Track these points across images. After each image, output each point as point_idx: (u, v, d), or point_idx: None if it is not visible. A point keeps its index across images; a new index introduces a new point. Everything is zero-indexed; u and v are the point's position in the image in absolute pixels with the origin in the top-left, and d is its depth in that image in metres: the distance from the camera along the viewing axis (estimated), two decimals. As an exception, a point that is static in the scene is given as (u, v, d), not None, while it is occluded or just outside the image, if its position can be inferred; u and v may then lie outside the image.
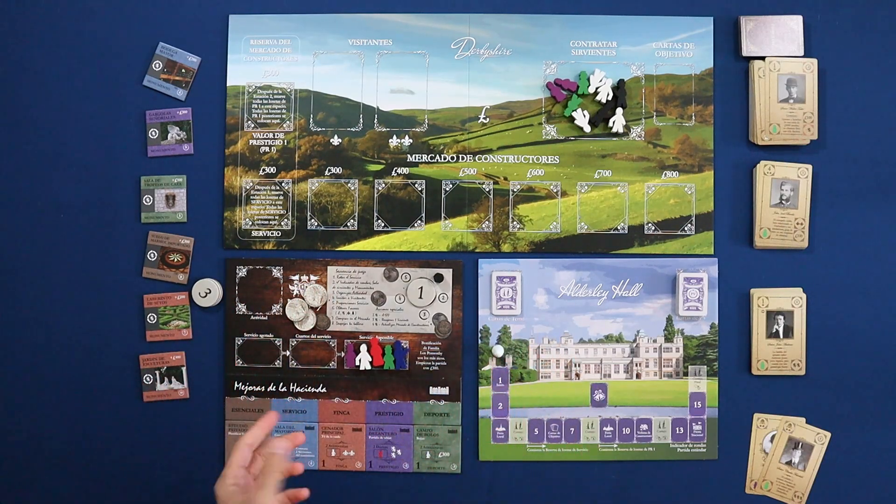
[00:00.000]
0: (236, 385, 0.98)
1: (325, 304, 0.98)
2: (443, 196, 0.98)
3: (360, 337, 0.98)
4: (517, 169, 0.99)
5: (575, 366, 0.98)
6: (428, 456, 0.98)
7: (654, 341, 0.98)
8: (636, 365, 0.98)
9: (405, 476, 0.98)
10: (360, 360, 0.96)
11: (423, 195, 0.99)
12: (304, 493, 0.82)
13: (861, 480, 0.96)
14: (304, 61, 0.99)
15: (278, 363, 0.98)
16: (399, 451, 0.98)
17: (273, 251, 0.98)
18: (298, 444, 0.82)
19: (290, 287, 0.98)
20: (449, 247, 0.98)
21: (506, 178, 0.99)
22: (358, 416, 0.98)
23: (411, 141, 0.99)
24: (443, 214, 0.98)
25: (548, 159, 0.99)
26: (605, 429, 0.97)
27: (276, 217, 0.99)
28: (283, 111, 0.99)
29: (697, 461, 0.97)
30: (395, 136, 0.99)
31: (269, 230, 0.99)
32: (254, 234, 0.99)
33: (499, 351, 0.97)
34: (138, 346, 0.98)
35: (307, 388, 0.98)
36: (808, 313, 0.96)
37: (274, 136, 0.99)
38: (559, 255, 0.98)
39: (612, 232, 0.98)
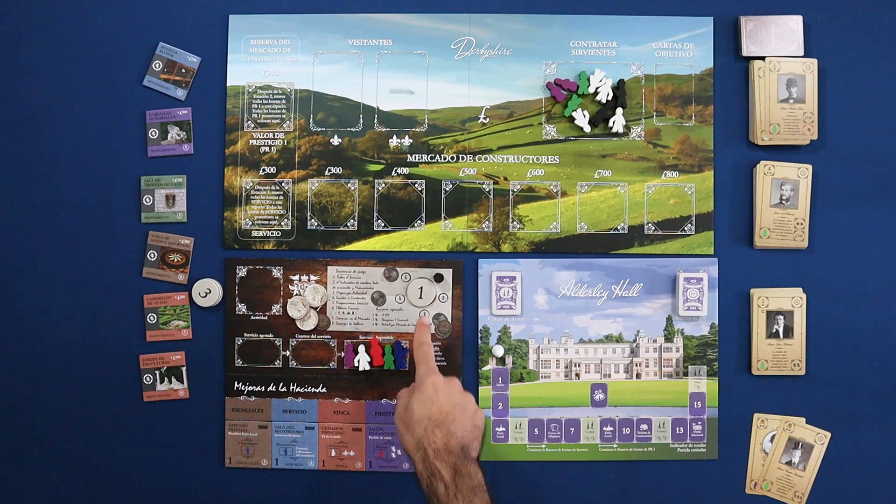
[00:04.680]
0: (236, 385, 0.98)
1: (325, 303, 0.98)
2: (443, 196, 0.99)
3: (360, 337, 0.98)
4: (517, 169, 0.99)
5: (575, 366, 0.98)
6: (428, 456, 0.98)
7: (654, 341, 0.98)
8: (636, 365, 0.98)
9: (405, 476, 0.98)
10: (358, 361, 0.96)
11: (423, 195, 0.99)
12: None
13: (861, 480, 0.96)
14: (304, 61, 0.99)
15: (278, 363, 0.98)
16: (399, 451, 0.98)
17: (273, 251, 0.99)
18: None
19: (290, 287, 0.98)
20: (449, 247, 0.98)
21: (506, 178, 0.99)
22: (358, 416, 0.98)
23: (411, 141, 0.99)
24: (443, 214, 0.98)
25: (548, 159, 0.99)
26: (605, 429, 0.97)
27: (276, 217, 0.99)
28: (283, 111, 0.99)
29: (697, 461, 0.97)
30: (395, 136, 0.99)
31: (269, 230, 0.99)
32: (254, 234, 0.99)
33: (499, 351, 0.97)
34: (138, 346, 0.98)
35: (307, 388, 0.98)
36: (808, 313, 0.96)
37: (274, 136, 0.99)
38: (559, 255, 0.98)
39: (612, 232, 0.98)
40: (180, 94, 0.99)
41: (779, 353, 0.96)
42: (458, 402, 0.84)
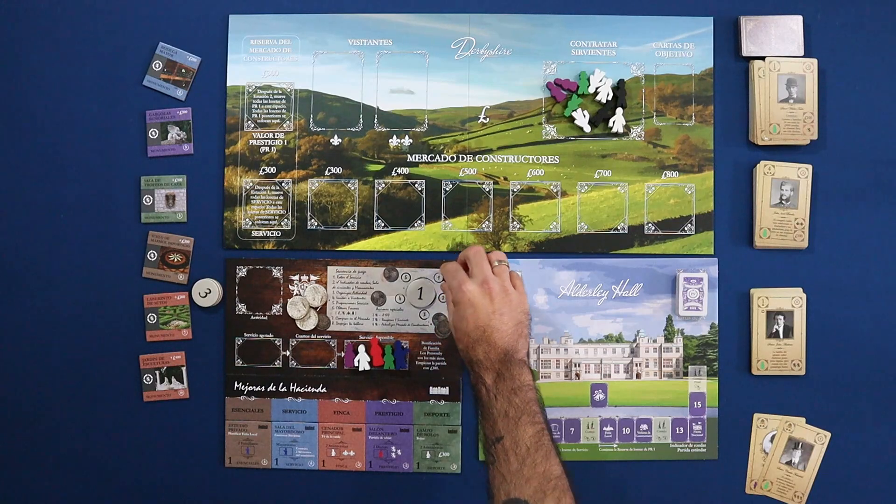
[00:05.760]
0: (236, 385, 0.98)
1: (325, 303, 0.98)
2: (443, 196, 0.99)
3: (360, 337, 0.98)
4: (517, 169, 0.99)
5: (575, 366, 0.98)
6: (428, 456, 0.98)
7: (654, 341, 0.98)
8: (636, 365, 0.98)
9: (405, 476, 0.98)
10: (358, 361, 0.96)
11: (423, 195, 0.99)
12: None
13: (861, 480, 0.96)
14: (304, 61, 0.99)
15: (278, 363, 0.98)
16: (399, 451, 0.98)
17: (273, 251, 0.98)
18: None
19: (290, 287, 0.98)
20: (449, 247, 0.98)
21: (506, 178, 0.99)
22: (358, 416, 0.98)
23: (411, 141, 0.99)
24: (443, 214, 0.98)
25: (548, 159, 0.99)
26: (605, 429, 0.97)
27: (276, 217, 0.99)
28: (283, 111, 0.99)
29: (697, 461, 0.97)
30: (395, 136, 0.99)
31: (269, 230, 0.99)
32: (254, 234, 0.99)
33: (499, 351, 0.97)
34: (138, 346, 0.98)
35: (307, 388, 0.98)
36: (808, 313, 0.96)
37: (274, 136, 0.99)
38: (559, 255, 0.98)
39: (612, 232, 0.98)
40: (180, 94, 0.99)
41: (779, 353, 0.96)
42: (495, 310, 0.84)
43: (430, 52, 0.99)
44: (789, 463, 0.96)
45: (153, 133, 0.98)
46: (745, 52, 0.97)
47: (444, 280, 0.90)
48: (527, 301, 0.88)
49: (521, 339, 0.85)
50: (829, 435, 0.96)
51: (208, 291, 0.97)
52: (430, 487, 0.98)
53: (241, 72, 0.99)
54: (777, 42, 0.97)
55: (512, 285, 0.87)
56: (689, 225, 0.98)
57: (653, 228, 0.98)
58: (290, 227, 0.99)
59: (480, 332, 0.84)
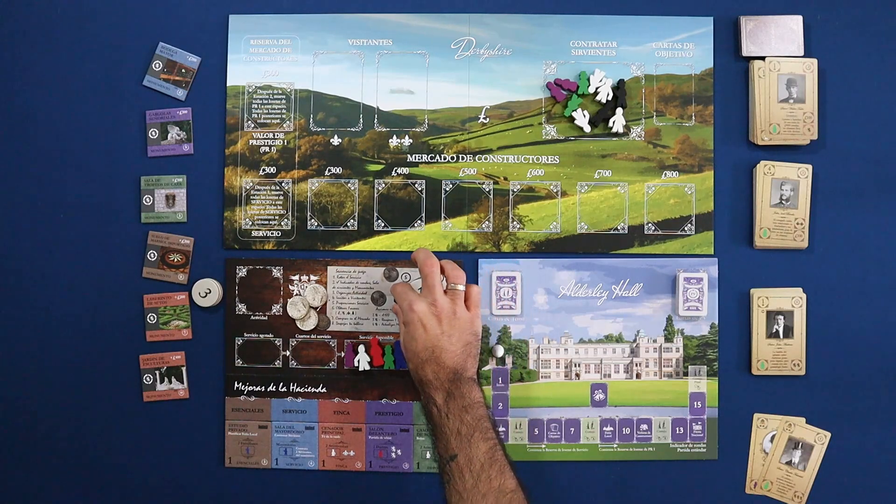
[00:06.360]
0: (236, 385, 0.98)
1: (325, 303, 0.98)
2: (443, 196, 0.99)
3: (360, 337, 0.98)
4: (517, 169, 0.99)
5: (575, 366, 0.98)
6: (428, 456, 0.98)
7: (654, 341, 0.98)
8: (636, 365, 0.98)
9: (405, 476, 0.98)
10: (358, 361, 0.96)
11: (423, 195, 0.99)
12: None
13: (861, 480, 0.96)
14: (304, 61, 0.99)
15: (278, 363, 0.98)
16: (399, 451, 0.98)
17: (273, 251, 0.99)
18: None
19: (290, 287, 0.98)
20: (449, 247, 0.98)
21: (506, 178, 0.99)
22: (358, 416, 0.98)
23: (411, 141, 0.99)
24: (443, 214, 0.98)
25: (548, 159, 0.99)
26: (605, 429, 0.97)
27: (276, 217, 0.99)
28: (283, 111, 0.99)
29: (697, 461, 0.97)
30: (395, 136, 0.99)
31: (269, 230, 0.99)
32: (254, 234, 0.99)
33: (499, 351, 0.97)
34: (138, 346, 0.98)
35: (307, 388, 0.98)
36: (808, 313, 0.96)
37: (274, 136, 0.99)
38: (559, 255, 0.98)
39: (612, 232, 0.98)
40: (180, 94, 0.99)
41: (779, 353, 0.96)
42: (443, 331, 0.85)
43: (430, 52, 0.99)
44: (789, 463, 0.96)
45: (153, 133, 0.98)
46: (745, 52, 0.97)
47: (395, 301, 0.90)
48: (478, 322, 0.89)
49: (470, 359, 0.86)
50: (829, 435, 0.96)
51: (208, 291, 0.97)
52: (430, 487, 0.98)
53: (241, 72, 0.99)
54: (777, 42, 0.97)
55: (465, 306, 0.88)
56: (689, 225, 0.98)
57: (653, 228, 0.98)
58: (290, 227, 0.99)
59: (429, 353, 0.85)
